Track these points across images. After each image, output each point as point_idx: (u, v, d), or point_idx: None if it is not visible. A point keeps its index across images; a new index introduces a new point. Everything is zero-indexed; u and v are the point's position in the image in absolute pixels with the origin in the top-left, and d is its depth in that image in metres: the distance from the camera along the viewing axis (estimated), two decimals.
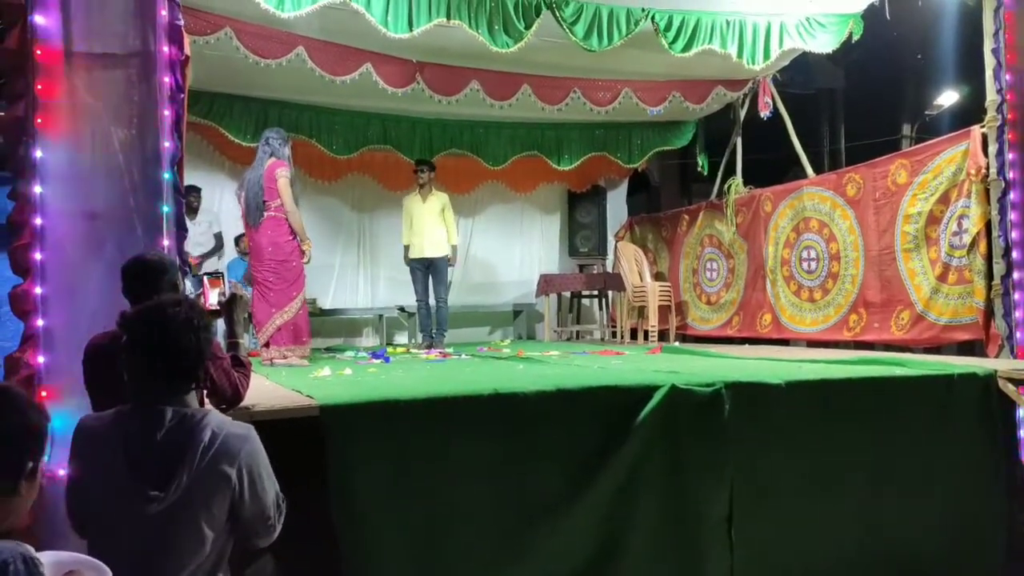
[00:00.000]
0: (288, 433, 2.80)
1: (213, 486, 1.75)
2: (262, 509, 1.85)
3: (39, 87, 2.83)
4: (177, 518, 1.70)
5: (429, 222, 6.61)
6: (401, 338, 8.11)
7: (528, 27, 5.18)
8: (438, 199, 6.69)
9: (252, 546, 1.96)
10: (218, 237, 6.89)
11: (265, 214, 5.07)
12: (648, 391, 3.11)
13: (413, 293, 6.84)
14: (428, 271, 6.66)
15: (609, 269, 8.53)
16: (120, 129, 2.98)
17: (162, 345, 1.76)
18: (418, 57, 6.12)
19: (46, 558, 1.23)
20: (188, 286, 4.46)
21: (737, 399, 3.19)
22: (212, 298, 2.87)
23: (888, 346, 5.74)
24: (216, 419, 1.82)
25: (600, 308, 8.71)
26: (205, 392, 2.50)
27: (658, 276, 8.11)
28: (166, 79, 3.03)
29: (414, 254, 6.67)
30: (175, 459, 1.71)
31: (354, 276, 8.20)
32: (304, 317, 5.19)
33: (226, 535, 1.81)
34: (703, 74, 6.71)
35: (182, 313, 1.81)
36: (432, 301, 6.73)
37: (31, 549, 1.13)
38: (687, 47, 5.53)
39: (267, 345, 5.05)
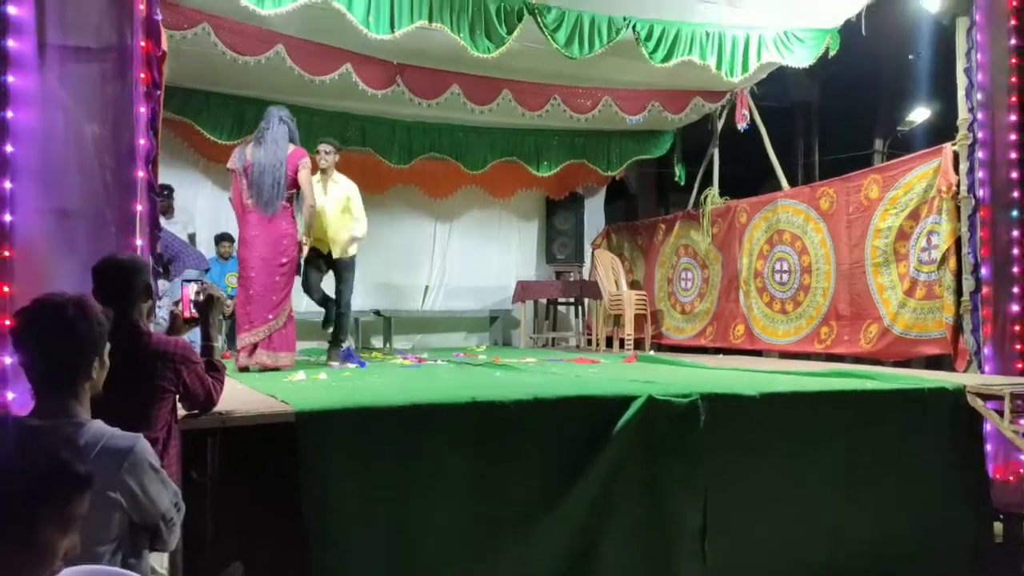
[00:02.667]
0: (260, 439, 2.77)
1: (93, 505, 1.66)
2: (157, 518, 1.78)
3: (10, 80, 2.75)
4: None
5: (332, 217, 5.38)
6: (376, 342, 8.05)
7: (510, 32, 5.18)
8: (342, 188, 5.46)
9: (155, 551, 1.89)
10: (192, 238, 6.78)
11: (281, 204, 4.64)
12: (625, 401, 3.11)
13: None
14: (328, 269, 5.54)
15: (586, 277, 8.55)
16: (94, 125, 2.92)
17: (41, 344, 1.68)
18: (399, 59, 6.09)
19: (78, 572, 1.18)
20: (161, 287, 4.37)
21: (713, 410, 3.21)
22: (186, 305, 2.80)
23: (857, 359, 5.82)
24: (94, 431, 1.70)
25: (576, 316, 8.73)
26: (178, 397, 2.45)
27: (634, 284, 8.15)
28: (142, 75, 2.98)
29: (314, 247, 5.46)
30: None
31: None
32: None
33: (124, 547, 1.74)
34: (682, 84, 6.76)
35: (69, 311, 1.71)
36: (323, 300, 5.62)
37: None
38: (667, 57, 5.57)
39: (254, 348, 4.62)
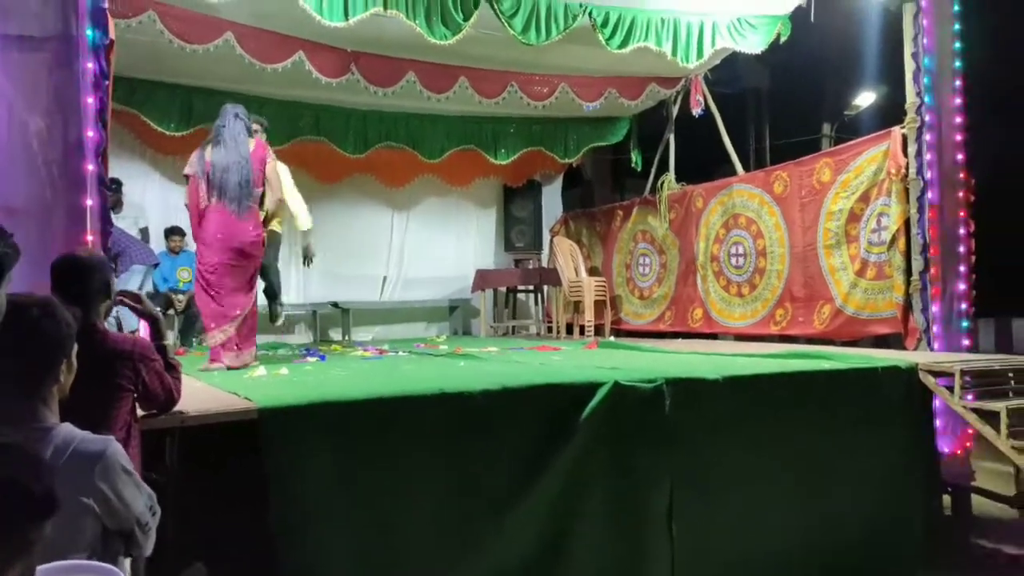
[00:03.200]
0: (220, 437, 2.71)
1: (65, 511, 1.61)
2: (132, 523, 1.74)
3: None
4: None
5: None
6: (335, 334, 7.95)
7: (466, 19, 5.13)
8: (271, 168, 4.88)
9: (129, 556, 1.85)
10: (144, 232, 6.59)
11: (250, 203, 4.47)
12: (591, 388, 3.14)
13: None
14: None
15: (545, 264, 8.58)
16: (39, 117, 2.81)
17: (5, 347, 1.62)
18: (353, 46, 5.99)
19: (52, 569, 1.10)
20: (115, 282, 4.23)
21: (677, 394, 3.26)
22: (131, 324, 2.70)
23: (811, 339, 5.97)
24: (63, 436, 1.65)
25: (536, 303, 8.75)
26: (135, 397, 2.38)
27: (592, 271, 8.20)
28: (89, 65, 2.87)
29: None
30: None
31: (286, 271, 7.98)
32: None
33: (97, 553, 1.69)
34: (638, 71, 6.80)
35: (34, 312, 1.66)
36: None
37: None
38: (623, 43, 5.59)
39: (222, 345, 4.44)
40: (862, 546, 3.64)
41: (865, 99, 11.14)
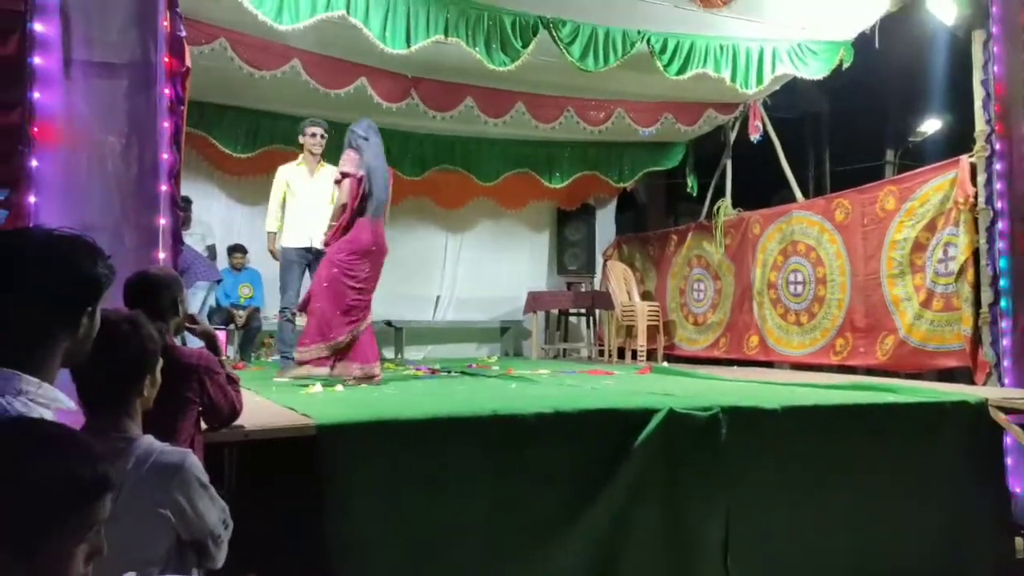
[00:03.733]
0: (277, 451, 2.77)
1: (143, 521, 1.66)
2: (206, 535, 1.78)
3: (36, 95, 2.78)
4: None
5: (319, 202, 5.15)
6: (388, 352, 8.05)
7: (525, 46, 5.20)
8: (331, 173, 5.08)
9: (203, 567, 1.89)
10: (211, 249, 6.80)
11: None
12: (646, 414, 3.10)
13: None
14: (309, 267, 5.21)
15: (597, 287, 8.54)
16: (117, 140, 2.94)
17: (94, 360, 1.69)
18: (413, 72, 6.12)
19: None
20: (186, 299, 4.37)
21: (734, 423, 3.19)
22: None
23: (872, 371, 5.80)
24: (144, 447, 1.71)
25: (588, 326, 8.72)
26: (199, 409, 2.45)
27: (645, 295, 8.14)
28: (166, 90, 3.00)
29: (294, 241, 5.22)
30: None
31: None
32: None
33: (172, 564, 1.73)
34: (696, 97, 6.77)
35: (123, 328, 1.72)
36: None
37: None
38: (682, 70, 5.59)
39: (339, 359, 4.37)
40: None
41: (931, 126, 10.86)
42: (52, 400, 1.28)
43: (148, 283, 2.29)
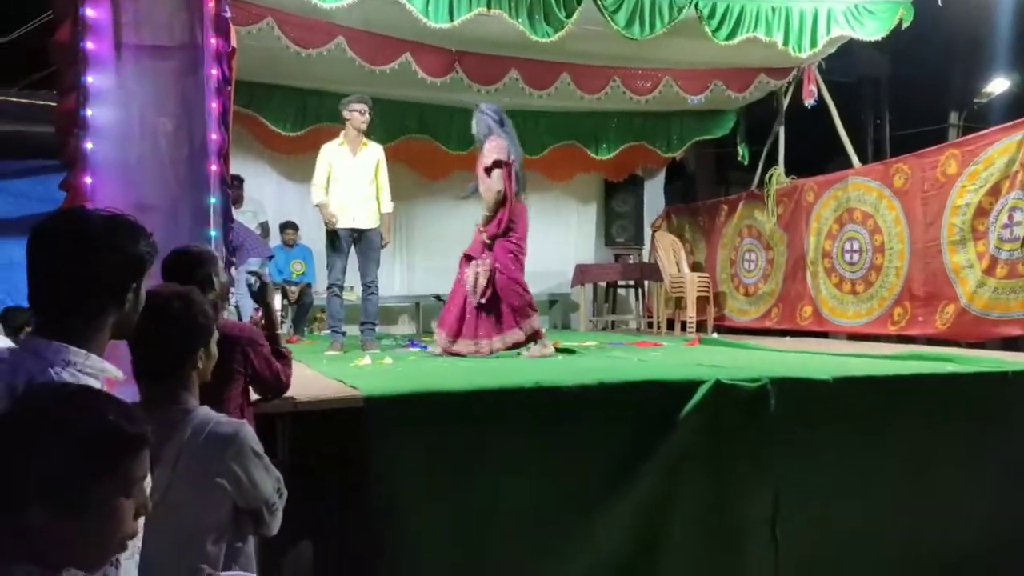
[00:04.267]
0: (327, 422, 2.84)
1: (200, 489, 1.72)
2: (260, 503, 1.82)
3: (89, 79, 2.86)
4: (163, 522, 1.53)
5: (361, 183, 5.15)
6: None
7: (569, 16, 5.13)
8: (372, 152, 5.22)
9: (258, 534, 1.95)
10: (264, 227, 6.94)
11: None
12: (691, 386, 3.07)
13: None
14: (354, 246, 5.22)
15: (645, 259, 8.45)
16: (168, 121, 3.01)
17: (148, 336, 1.69)
18: (456, 46, 6.10)
19: None
20: (233, 276, 4.48)
21: (783, 395, 3.13)
22: (276, 303, 2.85)
23: (932, 340, 5.62)
24: (201, 418, 1.76)
25: (636, 298, 8.65)
26: (246, 380, 2.51)
27: (695, 266, 8.02)
28: (213, 71, 3.05)
29: (338, 223, 5.17)
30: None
31: (391, 264, 8.21)
32: None
33: (228, 531, 1.79)
34: (747, 62, 6.58)
35: (175, 304, 1.78)
36: (351, 287, 5.43)
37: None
38: (731, 35, 5.44)
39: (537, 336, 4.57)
40: (981, 560, 3.40)
41: (998, 86, 10.35)
42: (100, 370, 1.34)
43: (184, 260, 2.34)
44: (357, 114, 5.17)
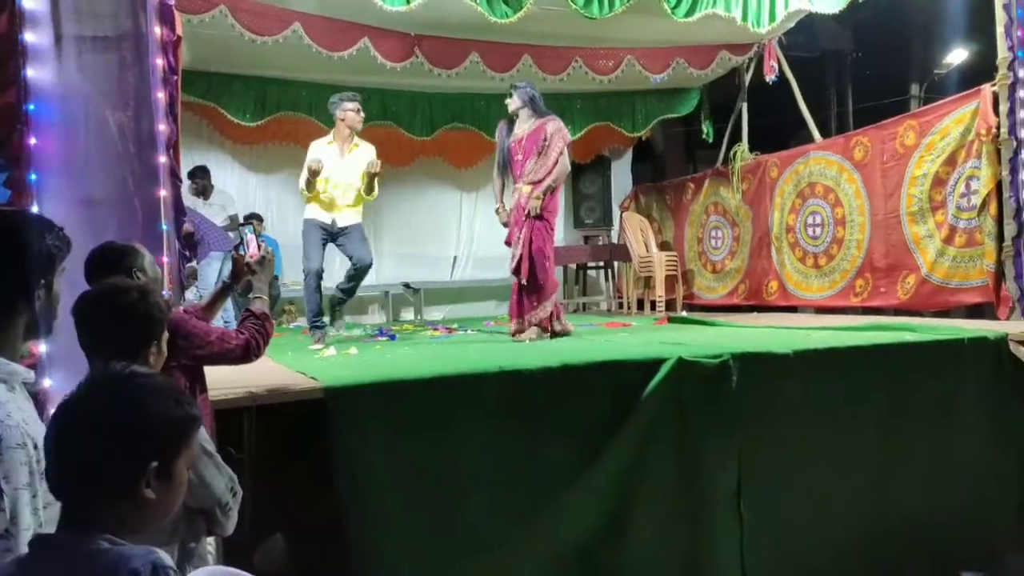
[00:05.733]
0: (294, 415, 2.81)
1: None
2: (212, 503, 1.79)
3: (30, 73, 2.78)
4: None
5: (347, 185, 4.94)
6: (408, 314, 8.10)
7: None
8: (363, 154, 4.97)
9: (213, 534, 1.91)
10: (233, 219, 6.83)
11: None
12: (654, 364, 3.09)
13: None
14: (331, 239, 5.02)
15: (614, 240, 8.47)
16: (115, 113, 2.94)
17: (105, 327, 1.71)
18: (416, 31, 6.03)
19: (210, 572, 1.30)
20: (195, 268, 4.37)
21: (745, 370, 3.17)
22: (252, 248, 2.81)
23: (895, 311, 5.71)
24: None
25: (606, 279, 8.68)
26: (189, 369, 2.38)
27: (663, 246, 8.06)
28: (159, 61, 2.98)
29: (318, 215, 4.94)
30: None
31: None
32: None
33: (179, 531, 1.75)
34: (707, 39, 6.59)
35: (133, 296, 1.76)
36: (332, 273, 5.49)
37: (165, 557, 1.06)
38: (690, 12, 5.44)
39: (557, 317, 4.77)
40: (946, 529, 3.48)
41: (957, 56, 10.46)
42: (10, 374, 1.30)
43: (105, 255, 2.27)
44: (352, 113, 4.92)
